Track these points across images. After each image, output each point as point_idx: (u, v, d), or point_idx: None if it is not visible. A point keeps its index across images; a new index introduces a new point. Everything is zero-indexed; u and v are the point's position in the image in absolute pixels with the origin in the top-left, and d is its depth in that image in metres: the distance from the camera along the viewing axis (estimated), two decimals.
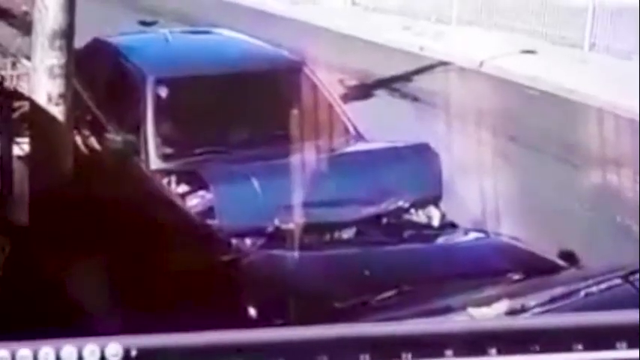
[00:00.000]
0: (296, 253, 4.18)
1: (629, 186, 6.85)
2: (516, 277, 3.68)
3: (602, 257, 4.70)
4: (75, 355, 1.73)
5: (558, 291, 3.10)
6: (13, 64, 5.76)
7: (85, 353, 1.76)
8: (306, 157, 4.63)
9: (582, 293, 3.05)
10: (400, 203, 4.64)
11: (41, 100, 4.76)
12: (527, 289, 3.26)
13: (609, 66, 12.21)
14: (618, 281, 3.12)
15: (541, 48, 13.10)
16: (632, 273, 3.12)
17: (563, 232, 5.70)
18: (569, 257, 4.33)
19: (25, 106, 5.22)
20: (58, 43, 4.71)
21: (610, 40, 12.99)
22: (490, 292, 3.28)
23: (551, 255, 4.15)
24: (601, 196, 6.84)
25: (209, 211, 4.47)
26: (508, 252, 4.07)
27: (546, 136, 8.49)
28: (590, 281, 3.09)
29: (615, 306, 3.01)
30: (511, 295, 3.08)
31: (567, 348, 1.89)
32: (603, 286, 3.08)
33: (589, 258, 4.45)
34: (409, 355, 1.78)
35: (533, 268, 3.78)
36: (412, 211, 4.69)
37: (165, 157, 4.96)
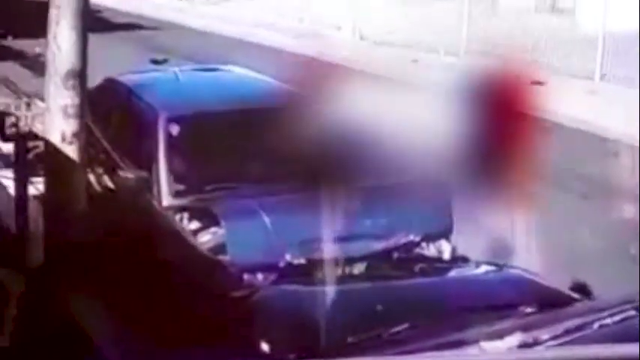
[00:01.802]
0: (307, 288, 4.18)
1: None
2: (529, 309, 3.66)
3: (615, 289, 4.67)
4: None
5: (572, 323, 3.07)
6: (28, 105, 5.83)
7: None
8: (316, 193, 4.63)
9: (596, 325, 3.02)
10: (411, 237, 4.63)
11: (55, 139, 4.81)
12: (540, 321, 3.24)
13: (619, 95, 12.21)
14: (632, 313, 3.09)
15: (551, 79, 13.12)
16: None
17: (576, 263, 5.67)
18: (582, 289, 4.31)
19: (40, 146, 5.27)
20: (71, 83, 4.76)
21: (621, 70, 13.00)
22: (502, 325, 3.26)
23: (564, 287, 4.12)
24: (613, 227, 6.80)
25: (221, 247, 4.48)
26: (520, 285, 4.04)
27: (558, 167, 8.48)
28: (604, 313, 3.06)
29: (629, 338, 2.99)
30: (524, 328, 3.06)
31: None
32: (617, 317, 3.05)
33: (602, 290, 4.43)
34: None
35: (546, 301, 3.75)
36: (423, 244, 4.69)
37: (177, 194, 4.97)
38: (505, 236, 5.52)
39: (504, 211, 5.06)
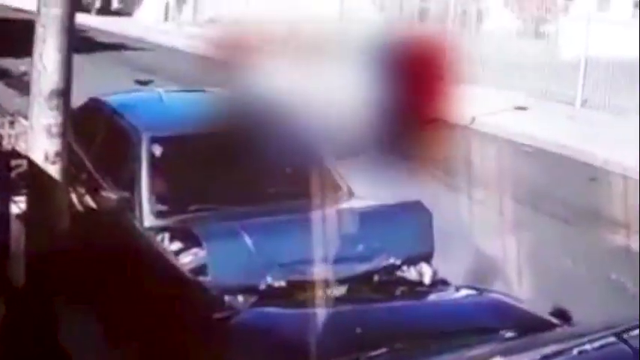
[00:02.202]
0: (288, 311, 4.17)
1: (623, 243, 6.88)
2: (508, 334, 3.67)
3: (595, 315, 4.70)
4: None
5: (551, 349, 3.07)
6: (12, 124, 5.82)
7: None
8: (298, 215, 4.65)
9: (575, 351, 3.02)
10: (392, 260, 4.65)
11: (38, 158, 4.79)
12: (520, 346, 3.25)
13: (601, 122, 12.35)
14: (612, 339, 3.10)
15: (534, 104, 13.25)
16: (626, 331, 3.10)
17: (556, 289, 5.70)
18: (562, 315, 4.33)
19: (23, 164, 5.26)
20: (55, 102, 4.74)
21: (602, 96, 13.16)
22: (482, 349, 3.27)
23: (544, 312, 4.15)
24: (594, 253, 6.85)
25: (202, 268, 4.47)
26: (500, 309, 4.06)
27: (539, 192, 8.54)
28: (584, 339, 3.07)
29: None
30: (503, 353, 3.06)
31: None
32: (596, 344, 3.05)
33: (582, 315, 4.46)
34: None
35: (526, 326, 3.76)
36: (404, 268, 4.70)
37: (159, 215, 4.96)
38: (486, 260, 5.55)
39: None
